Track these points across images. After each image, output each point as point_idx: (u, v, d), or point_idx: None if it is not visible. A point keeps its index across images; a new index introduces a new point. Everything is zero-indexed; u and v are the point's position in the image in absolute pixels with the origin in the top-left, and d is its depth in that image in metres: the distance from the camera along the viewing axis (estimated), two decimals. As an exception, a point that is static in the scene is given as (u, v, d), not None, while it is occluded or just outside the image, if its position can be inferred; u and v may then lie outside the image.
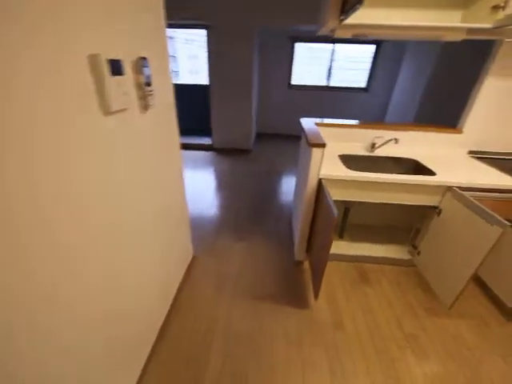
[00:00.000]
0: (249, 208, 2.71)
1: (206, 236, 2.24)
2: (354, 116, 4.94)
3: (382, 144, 1.91)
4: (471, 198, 1.42)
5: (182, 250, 1.75)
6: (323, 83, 5.02)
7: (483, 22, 1.38)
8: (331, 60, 4.85)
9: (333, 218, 1.24)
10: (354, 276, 1.88)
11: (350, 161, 1.90)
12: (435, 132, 1.98)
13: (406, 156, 1.91)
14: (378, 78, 4.70)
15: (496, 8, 1.31)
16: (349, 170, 1.60)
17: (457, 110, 2.02)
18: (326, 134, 2.04)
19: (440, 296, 1.65)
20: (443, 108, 3.09)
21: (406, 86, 4.12)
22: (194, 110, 4.59)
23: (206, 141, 4.43)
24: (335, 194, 1.64)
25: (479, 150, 1.99)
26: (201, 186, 3.16)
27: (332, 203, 1.29)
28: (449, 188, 1.56)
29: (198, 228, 2.32)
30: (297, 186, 2.28)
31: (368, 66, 4.75)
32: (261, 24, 3.52)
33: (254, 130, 4.80)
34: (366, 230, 2.24)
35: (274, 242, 2.21)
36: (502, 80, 1.75)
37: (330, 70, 4.92)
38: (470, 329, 1.53)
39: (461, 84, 2.89)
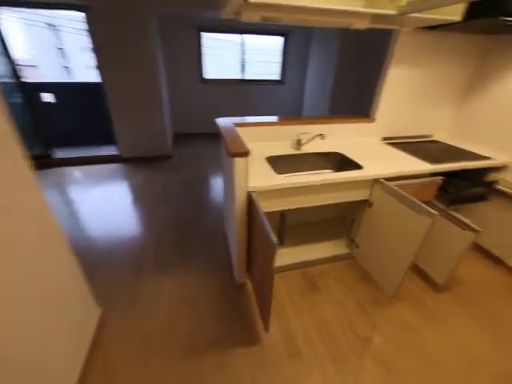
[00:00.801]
0: (174, 228, 2.29)
1: (120, 279, 1.74)
2: (273, 109, 4.94)
3: (309, 140, 1.80)
4: (397, 189, 1.42)
5: (78, 312, 1.25)
6: (238, 76, 4.81)
7: (387, 8, 1.33)
8: (243, 52, 4.66)
9: (272, 247, 1.00)
10: (301, 285, 1.75)
11: (278, 163, 1.72)
12: (353, 123, 1.99)
13: (331, 150, 1.84)
14: (290, 69, 4.77)
15: (397, -7, 1.27)
16: (280, 177, 1.40)
17: (368, 100, 2.07)
18: (248, 135, 1.80)
19: (382, 286, 1.66)
20: (354, 98, 3.28)
21: (316, 78, 4.28)
22: (91, 113, 3.72)
23: (111, 150, 3.64)
24: (269, 206, 1.43)
25: (390, 136, 2.10)
26: (109, 211, 2.53)
27: (268, 229, 1.05)
28: (376, 180, 1.54)
29: (108, 271, 1.80)
30: (225, 196, 1.99)
31: (279, 58, 4.76)
32: (156, 8, 2.99)
33: (171, 130, 4.25)
34: (304, 230, 2.15)
35: (210, 265, 1.88)
36: (401, 69, 1.83)
37: (243, 62, 4.74)
38: (412, 312, 1.58)
39: (367, 75, 3.11)
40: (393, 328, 1.49)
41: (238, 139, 1.33)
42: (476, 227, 1.39)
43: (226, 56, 4.74)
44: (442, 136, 2.26)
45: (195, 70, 4.46)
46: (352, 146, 1.93)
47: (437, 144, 2.10)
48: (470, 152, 1.90)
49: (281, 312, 1.56)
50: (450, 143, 2.10)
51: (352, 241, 1.88)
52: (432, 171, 1.62)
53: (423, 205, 1.27)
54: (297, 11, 1.28)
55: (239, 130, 1.74)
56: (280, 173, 1.75)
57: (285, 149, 1.82)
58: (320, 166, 1.88)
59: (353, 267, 1.89)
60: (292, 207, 1.49)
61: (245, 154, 1.18)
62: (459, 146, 2.02)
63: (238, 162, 1.20)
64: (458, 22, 1.39)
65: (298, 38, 4.52)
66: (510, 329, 1.51)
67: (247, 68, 4.81)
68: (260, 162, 1.56)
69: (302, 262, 1.85)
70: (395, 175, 1.54)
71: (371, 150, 1.87)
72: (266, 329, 1.32)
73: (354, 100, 3.45)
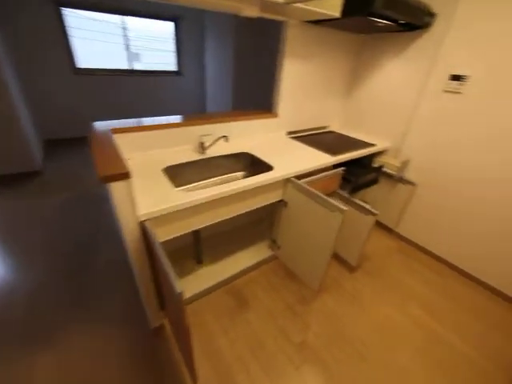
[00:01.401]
0: (58, 270, 1.70)
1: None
2: (173, 104, 4.45)
3: (214, 142, 1.58)
4: (308, 187, 1.39)
5: None
6: (125, 66, 4.08)
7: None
8: (127, 38, 3.95)
9: (177, 298, 0.76)
10: (229, 304, 1.57)
11: (179, 173, 1.44)
12: (258, 119, 1.89)
13: (239, 150, 1.69)
14: (188, 59, 4.36)
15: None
16: (181, 193, 1.13)
17: (270, 94, 2.01)
18: (138, 143, 1.44)
19: (307, 283, 1.66)
20: (257, 91, 3.23)
21: (216, 70, 4.05)
22: None
23: None
24: (172, 230, 1.16)
25: (294, 129, 2.13)
26: None
27: (170, 273, 0.79)
28: (288, 180, 1.48)
29: None
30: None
31: (173, 46, 4.28)
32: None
33: (37, 138, 3.25)
34: (223, 239, 1.96)
35: (116, 309, 1.47)
36: (295, 62, 1.82)
37: (128, 49, 4.03)
38: (336, 299, 1.65)
39: (267, 68, 3.09)
40: (322, 322, 1.50)
41: (113, 155, 0.98)
42: (374, 211, 1.52)
43: (110, 42, 3.92)
44: (336, 126, 2.46)
45: (63, 59, 3.50)
46: (260, 143, 1.83)
47: (332, 134, 2.26)
48: (359, 140, 2.11)
49: (211, 347, 1.34)
50: (343, 133, 2.30)
51: (274, 242, 1.83)
52: (334, 163, 1.69)
53: (333, 201, 1.27)
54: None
55: (124, 137, 1.37)
56: (182, 184, 1.49)
57: (187, 155, 1.56)
58: (230, 169, 1.70)
59: (279, 268, 1.85)
60: (201, 226, 1.27)
61: (123, 176, 0.87)
62: (351, 135, 2.23)
63: (117, 187, 0.88)
64: (337, 19, 1.42)
65: (192, 25, 4.15)
66: (408, 288, 1.77)
67: (138, 57, 4.14)
68: (155, 177, 1.25)
69: (225, 280, 1.67)
70: (305, 172, 1.52)
71: (279, 146, 1.82)
72: (194, 381, 1.09)
73: (258, 94, 3.43)
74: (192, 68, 4.44)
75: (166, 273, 0.81)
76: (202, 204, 1.17)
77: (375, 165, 2.08)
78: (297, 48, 1.76)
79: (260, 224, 2.15)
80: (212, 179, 1.64)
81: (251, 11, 1.33)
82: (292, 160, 1.60)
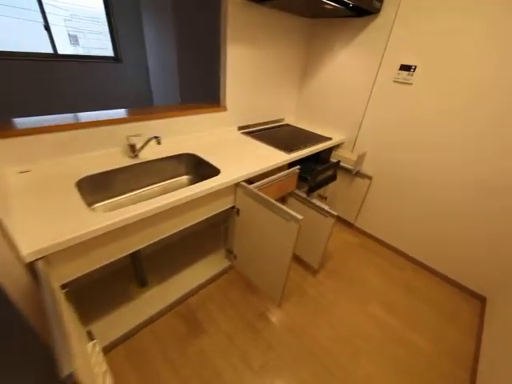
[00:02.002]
0: None
1: None
2: (113, 97, 3.91)
3: (144, 145, 1.31)
4: (259, 193, 1.21)
5: None
6: (49, 50, 3.41)
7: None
8: (43, 12, 3.28)
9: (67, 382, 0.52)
10: (180, 331, 1.35)
11: (101, 185, 1.16)
12: (203, 113, 1.64)
13: (181, 151, 1.45)
14: (127, 43, 3.80)
15: None
16: (98, 216, 0.87)
17: (216, 85, 1.77)
18: (44, 147, 1.12)
19: (267, 295, 1.51)
20: (204, 81, 2.93)
21: (158, 55, 3.59)
22: None
23: None
24: (87, 264, 0.90)
25: (246, 124, 1.93)
26: None
27: (60, 344, 0.55)
28: (238, 184, 1.29)
29: None
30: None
31: (105, 26, 3.67)
32: None
33: None
34: (171, 253, 1.72)
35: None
36: (240, 48, 1.60)
37: (49, 29, 3.36)
38: (300, 308, 1.53)
39: (203, 52, 2.78)
40: (286, 338, 1.38)
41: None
42: (333, 212, 1.41)
43: (26, 20, 3.22)
44: (292, 119, 2.32)
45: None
46: (206, 142, 1.60)
47: (288, 128, 2.12)
48: (316, 134, 2.00)
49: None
50: (299, 126, 2.17)
51: (230, 252, 1.64)
52: (290, 161, 1.54)
53: (287, 210, 1.11)
54: None
55: (23, 141, 1.04)
56: (106, 199, 1.21)
57: (116, 159, 1.27)
58: (171, 173, 1.46)
59: (238, 279, 1.68)
60: (132, 250, 1.02)
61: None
62: (307, 129, 2.11)
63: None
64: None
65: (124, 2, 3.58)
66: (370, 285, 1.73)
67: (74, 40, 3.50)
68: (62, 194, 0.96)
69: (175, 301, 1.45)
70: (257, 173, 1.34)
71: (228, 144, 1.61)
72: None
73: (208, 84, 3.12)
74: (133, 54, 3.91)
75: (53, 339, 0.56)
76: (132, 223, 0.92)
77: (333, 160, 2.00)
78: (240, 30, 1.54)
79: (215, 230, 1.94)
80: (149, 188, 1.38)
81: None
82: (243, 160, 1.41)
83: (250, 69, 1.73)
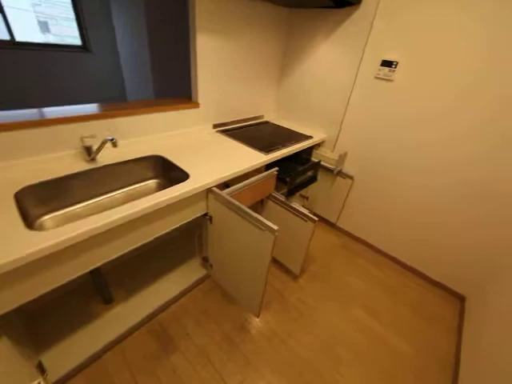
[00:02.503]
0: None
1: None
2: (81, 91, 3.61)
3: (100, 147, 1.16)
4: (232, 200, 1.11)
5: None
6: (3, 37, 3.07)
7: None
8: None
9: None
10: (150, 349, 1.24)
11: (50, 194, 1.02)
12: (173, 110, 1.50)
13: (147, 153, 1.31)
14: (96, 31, 3.50)
15: None
16: (34, 237, 0.73)
17: (188, 79, 1.62)
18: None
19: (245, 307, 1.42)
20: (175, 75, 2.74)
21: (129, 44, 3.30)
22: None
23: None
24: (30, 290, 0.76)
25: (221, 121, 1.80)
26: None
27: None
28: (209, 190, 1.18)
29: None
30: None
31: (70, 12, 3.36)
32: None
33: None
34: (140, 263, 1.59)
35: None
36: (212, 39, 1.47)
37: (2, 11, 3.00)
38: (280, 317, 1.46)
39: (178, 43, 2.59)
40: (266, 351, 1.30)
41: None
42: (314, 217, 1.33)
43: None
44: (272, 116, 2.22)
45: None
46: (178, 141, 1.47)
47: (267, 126, 2.02)
48: (296, 132, 1.91)
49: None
50: (278, 123, 2.07)
51: (205, 260, 1.53)
52: (268, 162, 1.44)
53: (262, 219, 1.02)
54: None
55: None
56: (57, 209, 1.06)
57: (70, 163, 1.12)
58: (136, 178, 1.32)
59: (214, 288, 1.58)
60: (87, 270, 0.89)
61: None
62: (286, 126, 2.01)
63: None
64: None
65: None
66: (352, 288, 1.69)
67: (21, 24, 3.15)
68: (-7, 210, 0.81)
69: (146, 316, 1.33)
70: (230, 177, 1.23)
71: (201, 144, 1.49)
72: None
73: (182, 79, 2.93)
74: (103, 43, 3.62)
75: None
76: (83, 240, 0.79)
77: (313, 159, 1.92)
78: (210, 20, 1.40)
79: (188, 237, 1.82)
80: (110, 195, 1.23)
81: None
82: (215, 162, 1.29)
83: (224, 61, 1.60)
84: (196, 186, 1.08)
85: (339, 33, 1.65)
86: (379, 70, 1.55)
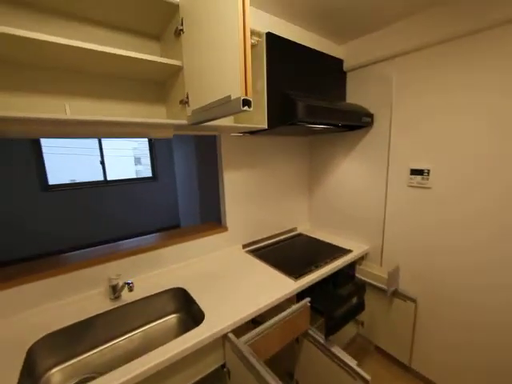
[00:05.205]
0: None
1: None
2: (147, 218, 4.30)
3: (121, 288, 1.17)
4: (246, 354, 0.90)
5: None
6: (99, 178, 4.12)
7: (179, 117, 1.09)
8: (100, 149, 4.14)
9: None
10: None
11: (64, 341, 0.99)
12: (205, 237, 1.56)
13: (170, 285, 1.28)
14: (161, 164, 4.51)
15: (182, 103, 1.04)
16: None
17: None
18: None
19: None
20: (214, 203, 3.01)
21: (182, 173, 3.91)
22: None
23: None
24: None
25: (252, 240, 1.78)
26: None
27: None
28: (224, 336, 1.01)
29: None
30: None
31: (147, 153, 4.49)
32: None
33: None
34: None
35: None
36: (236, 172, 1.64)
37: (103, 163, 4.14)
38: None
39: (212, 178, 2.96)
40: None
41: None
42: (366, 376, 0.98)
43: (84, 155, 4.11)
44: (306, 227, 2.15)
45: (31, 177, 3.49)
46: (203, 268, 1.44)
47: (300, 239, 1.92)
48: (332, 245, 1.74)
49: None
50: (312, 235, 1.95)
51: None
52: (298, 290, 1.25)
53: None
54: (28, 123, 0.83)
55: None
56: (69, 358, 1.00)
57: (93, 303, 1.13)
58: (158, 313, 1.25)
59: None
60: None
61: None
62: (321, 239, 1.87)
63: None
64: (266, 129, 1.29)
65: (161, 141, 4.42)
66: None
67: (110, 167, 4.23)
68: (-5, 376, 0.77)
69: None
70: (250, 317, 1.06)
71: (224, 271, 1.41)
72: None
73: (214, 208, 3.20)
74: (166, 172, 4.53)
75: None
76: None
77: (358, 275, 1.65)
78: (236, 158, 1.61)
79: None
80: (127, 336, 1.15)
81: (164, 133, 1.18)
82: (237, 294, 1.17)
83: (247, 187, 1.71)
84: (207, 335, 0.94)
85: (359, 149, 1.70)
86: (410, 178, 1.45)
